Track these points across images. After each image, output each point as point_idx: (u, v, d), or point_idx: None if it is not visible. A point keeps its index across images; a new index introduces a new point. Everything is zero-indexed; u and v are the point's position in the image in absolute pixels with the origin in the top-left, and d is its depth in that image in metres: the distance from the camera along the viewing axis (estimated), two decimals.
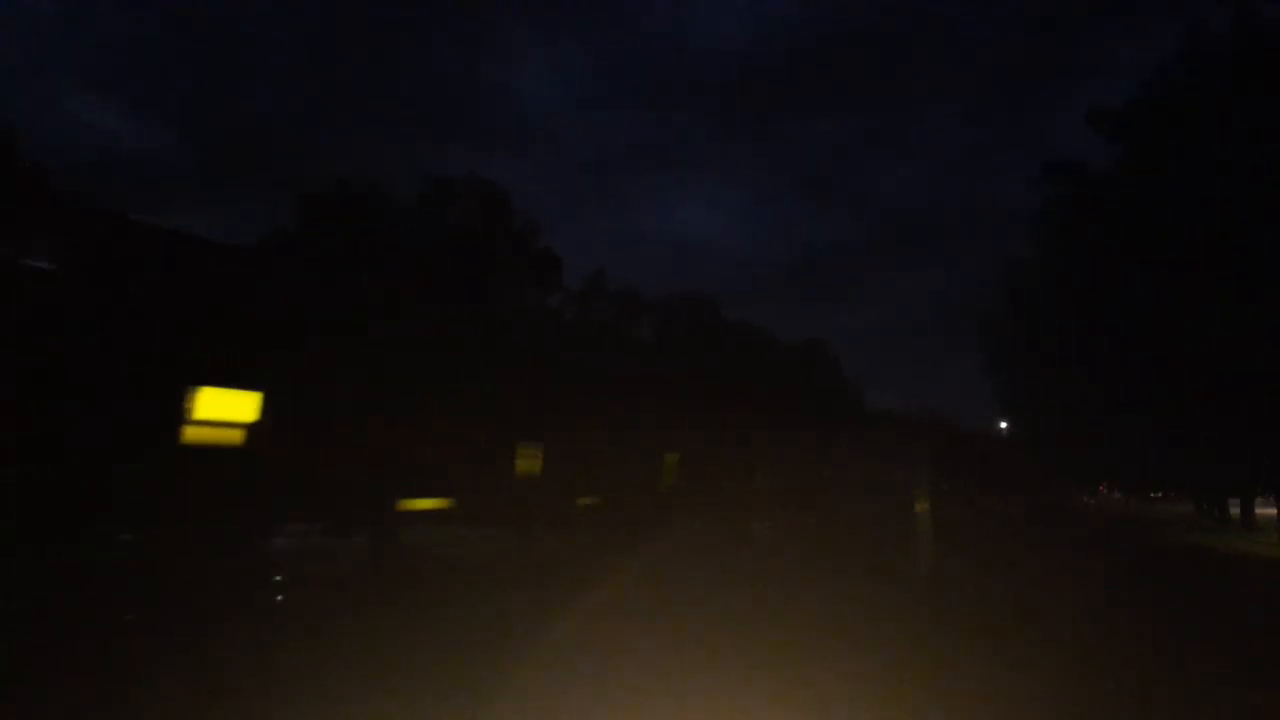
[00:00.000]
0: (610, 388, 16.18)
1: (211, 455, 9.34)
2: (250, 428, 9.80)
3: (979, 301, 73.20)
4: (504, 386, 13.66)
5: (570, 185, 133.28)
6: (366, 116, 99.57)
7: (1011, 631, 9.81)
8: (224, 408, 9.50)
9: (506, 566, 13.92)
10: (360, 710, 6.28)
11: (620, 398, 16.29)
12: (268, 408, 9.78)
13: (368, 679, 7.01)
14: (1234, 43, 23.40)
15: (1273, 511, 41.80)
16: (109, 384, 8.62)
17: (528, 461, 14.28)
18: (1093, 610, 11.82)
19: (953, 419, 75.40)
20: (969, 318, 66.36)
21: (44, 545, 8.12)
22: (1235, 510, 38.59)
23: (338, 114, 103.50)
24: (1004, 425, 52.53)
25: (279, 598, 10.28)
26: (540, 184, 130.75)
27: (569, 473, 14.97)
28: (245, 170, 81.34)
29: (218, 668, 7.31)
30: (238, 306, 10.28)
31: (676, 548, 15.31)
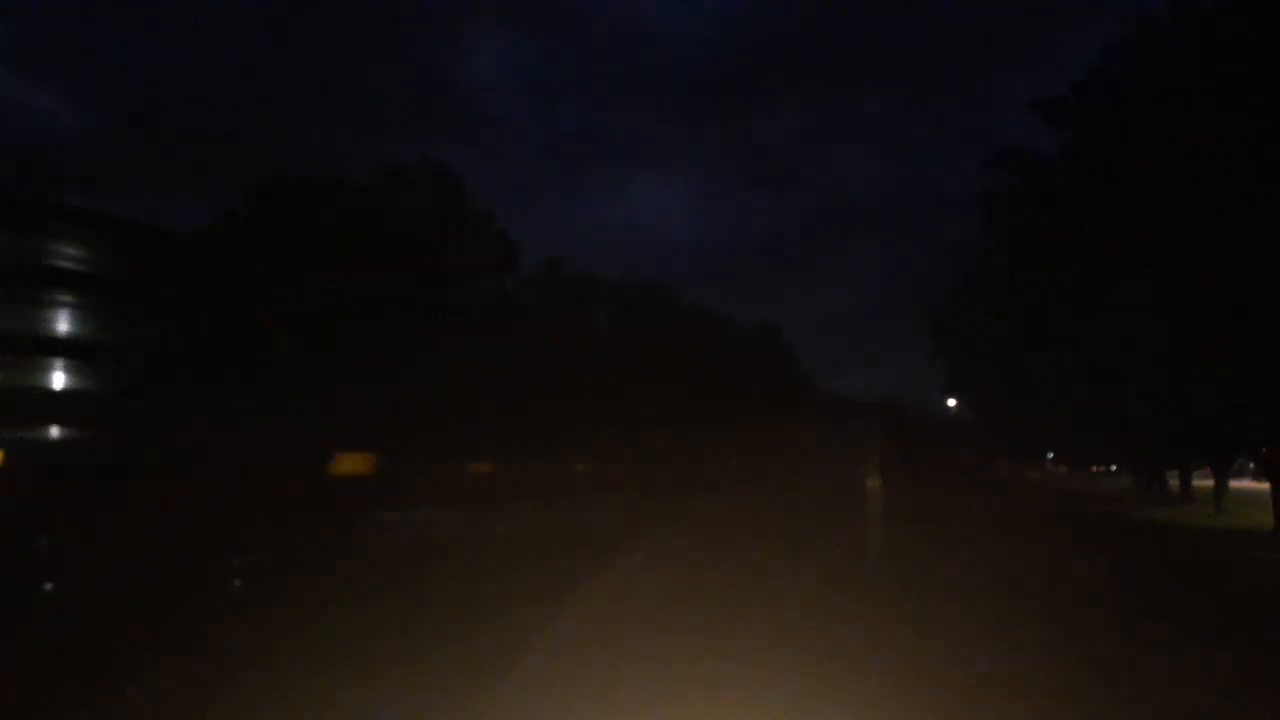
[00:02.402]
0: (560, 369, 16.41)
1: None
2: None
3: (929, 284, 74.53)
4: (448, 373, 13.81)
5: (525, 174, 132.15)
6: (317, 104, 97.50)
7: (944, 599, 10.25)
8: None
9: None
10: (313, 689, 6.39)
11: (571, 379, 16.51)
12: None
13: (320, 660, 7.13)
14: (1173, 30, 24.06)
15: (1209, 483, 43.38)
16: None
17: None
18: (1013, 576, 12.37)
19: (903, 401, 76.62)
20: (919, 300, 67.50)
21: None
22: (1174, 482, 40.01)
23: (287, 102, 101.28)
24: (952, 403, 53.63)
25: (236, 582, 10.32)
26: (495, 173, 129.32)
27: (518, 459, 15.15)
28: (194, 157, 79.44)
29: (172, 652, 7.35)
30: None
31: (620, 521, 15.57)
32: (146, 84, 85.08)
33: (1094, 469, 73.25)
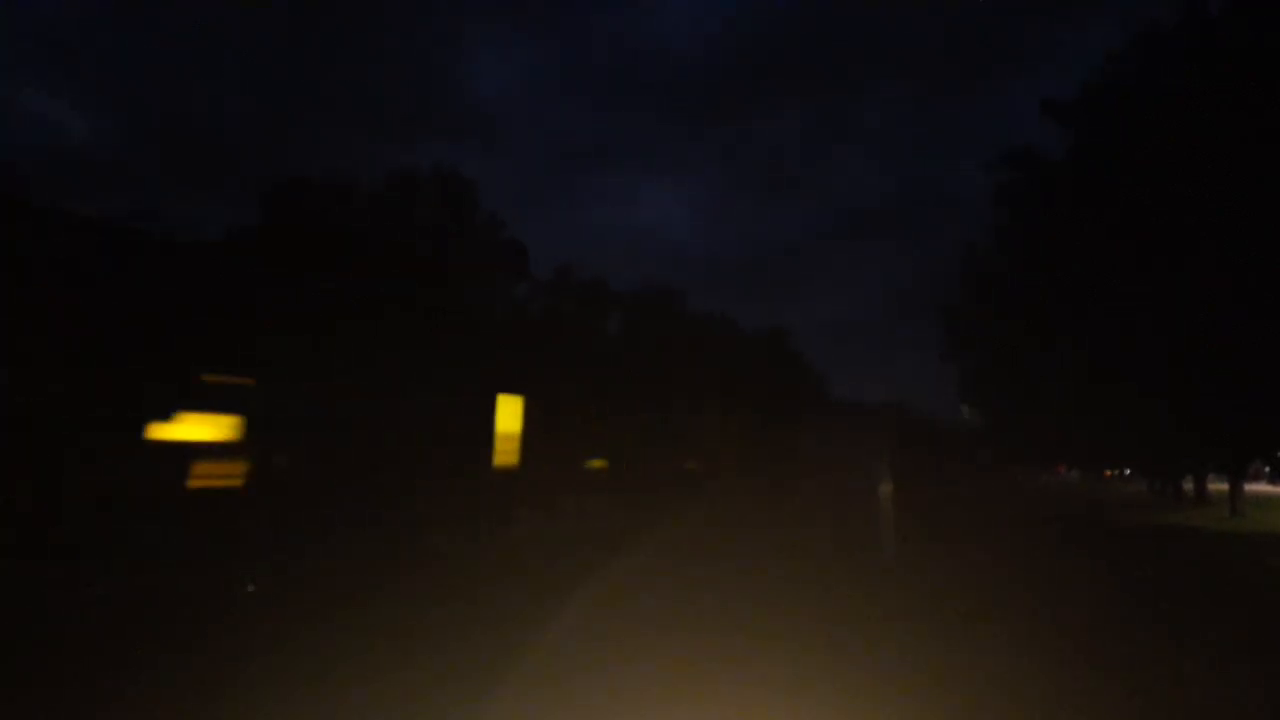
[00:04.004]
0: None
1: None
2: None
3: (939, 287, 74.16)
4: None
5: (535, 183, 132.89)
6: (326, 113, 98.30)
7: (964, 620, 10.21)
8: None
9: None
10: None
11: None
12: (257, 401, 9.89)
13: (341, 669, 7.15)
14: (1184, 33, 23.96)
15: (1224, 487, 42.97)
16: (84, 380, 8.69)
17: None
18: (1031, 586, 12.27)
19: (913, 406, 76.40)
20: (929, 303, 67.08)
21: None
22: (1189, 486, 39.60)
23: (296, 110, 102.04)
24: (964, 410, 53.39)
25: (250, 589, 10.38)
26: (505, 182, 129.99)
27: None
28: (206, 167, 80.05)
29: (186, 660, 7.37)
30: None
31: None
32: (148, 90, 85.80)
33: (1107, 474, 72.68)
